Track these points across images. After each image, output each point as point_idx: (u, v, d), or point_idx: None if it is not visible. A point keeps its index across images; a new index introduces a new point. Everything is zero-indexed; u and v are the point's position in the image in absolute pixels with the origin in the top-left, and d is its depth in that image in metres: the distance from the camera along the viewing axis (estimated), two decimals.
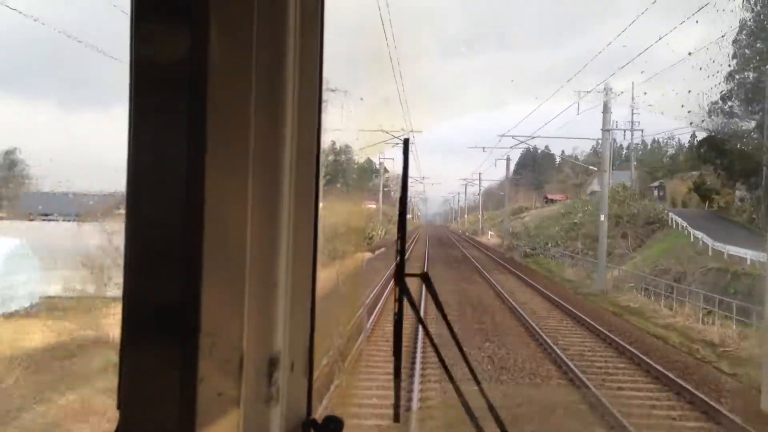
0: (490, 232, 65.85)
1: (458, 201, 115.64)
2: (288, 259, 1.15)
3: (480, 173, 77.74)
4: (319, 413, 1.24)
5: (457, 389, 1.31)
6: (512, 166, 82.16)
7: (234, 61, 1.05)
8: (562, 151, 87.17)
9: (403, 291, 1.23)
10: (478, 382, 1.37)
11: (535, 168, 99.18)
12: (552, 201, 68.35)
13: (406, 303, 1.26)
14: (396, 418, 1.34)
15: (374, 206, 55.06)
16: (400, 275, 1.21)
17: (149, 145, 1.01)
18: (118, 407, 1.01)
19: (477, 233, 76.00)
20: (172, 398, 1.00)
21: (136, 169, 1.02)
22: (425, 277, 1.30)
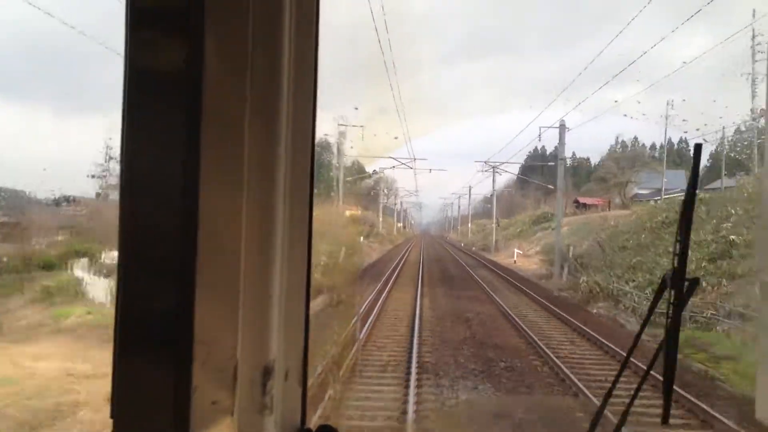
0: (516, 251, 42.98)
1: (458, 207, 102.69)
2: (282, 267, 1.15)
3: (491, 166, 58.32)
4: (313, 422, 1.23)
5: None
6: (517, 169, 75.34)
7: (229, 68, 1.05)
8: (573, 153, 78.61)
9: (681, 294, 1.20)
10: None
11: (543, 171, 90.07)
12: (584, 206, 55.81)
13: None
14: None
15: (354, 212, 45.39)
16: (677, 279, 1.19)
17: (143, 153, 1.01)
18: (112, 416, 1.00)
19: (489, 249, 55.32)
20: (166, 407, 1.00)
21: (130, 177, 1.02)
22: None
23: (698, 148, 1.30)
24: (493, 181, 58.50)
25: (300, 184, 1.20)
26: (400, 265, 34.67)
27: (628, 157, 58.55)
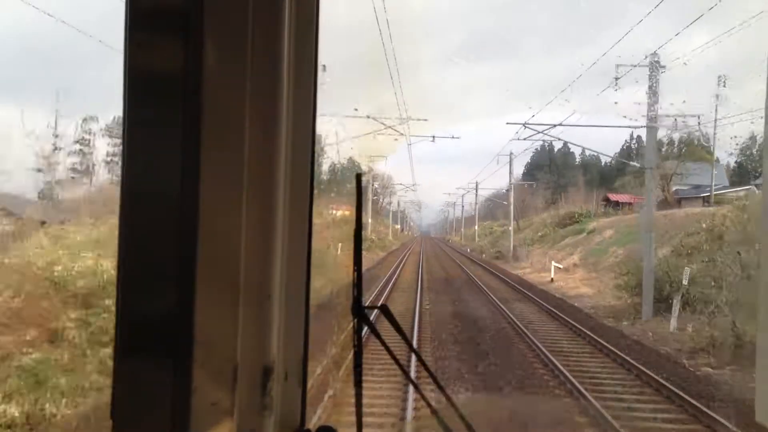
0: (555, 264, 29.58)
1: (462, 207, 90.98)
2: (282, 269, 1.15)
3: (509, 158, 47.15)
4: (313, 423, 1.24)
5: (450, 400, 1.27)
6: (518, 167, 69.37)
7: (229, 70, 1.05)
8: (582, 150, 73.48)
9: (362, 322, 1.21)
10: (447, 397, 1.33)
11: (551, 168, 79.38)
12: (617, 205, 46.49)
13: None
14: None
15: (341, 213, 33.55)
16: (358, 307, 1.21)
17: (143, 155, 1.01)
18: (112, 417, 1.00)
19: (506, 258, 42.92)
20: (166, 408, 1.00)
21: (130, 179, 1.02)
22: (384, 309, 1.29)
23: (358, 177, 1.38)
24: (510, 170, 48.01)
25: (300, 185, 1.20)
26: (387, 290, 21.88)
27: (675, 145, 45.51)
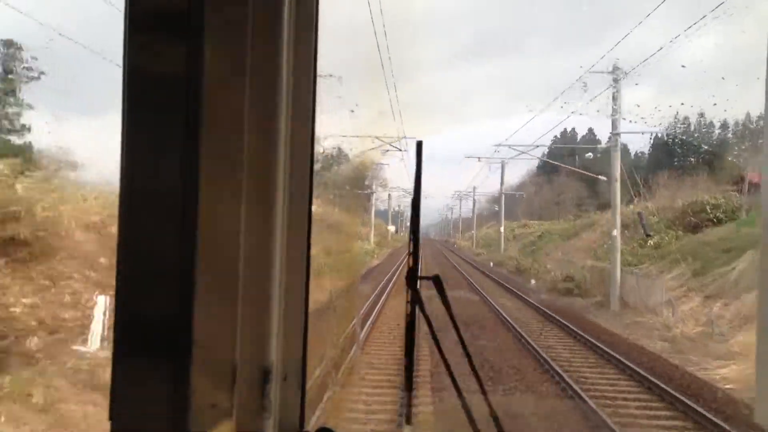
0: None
1: (474, 202, 68.40)
2: (281, 270, 1.15)
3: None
4: (312, 424, 1.23)
5: (464, 402, 1.28)
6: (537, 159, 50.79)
7: (228, 72, 1.06)
8: (609, 137, 57.73)
9: (416, 296, 1.22)
10: (484, 393, 1.34)
11: (573, 159, 56.92)
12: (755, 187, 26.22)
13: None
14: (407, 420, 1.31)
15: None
16: (413, 279, 1.21)
17: (143, 157, 1.02)
18: (110, 418, 1.00)
19: (605, 304, 20.46)
20: (165, 410, 1.00)
21: (130, 181, 1.02)
22: (437, 280, 1.29)
23: (419, 145, 1.33)
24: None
25: (299, 187, 1.20)
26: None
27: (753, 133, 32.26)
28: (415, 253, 1.22)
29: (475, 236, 64.06)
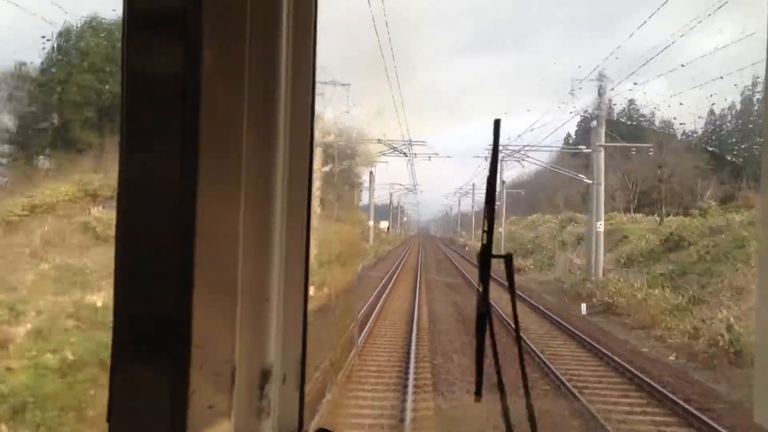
0: None
1: (503, 184, 41.33)
2: (280, 271, 1.15)
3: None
4: (311, 426, 1.23)
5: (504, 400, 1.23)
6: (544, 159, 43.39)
7: (227, 72, 1.05)
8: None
9: (487, 271, 1.22)
10: (528, 395, 1.32)
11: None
12: None
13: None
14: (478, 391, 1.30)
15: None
16: (486, 256, 1.22)
17: (141, 157, 1.01)
18: (108, 419, 1.00)
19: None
20: (163, 410, 1.00)
21: (128, 181, 1.02)
22: (508, 259, 1.29)
23: (497, 123, 1.29)
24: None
25: (298, 187, 1.20)
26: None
27: None
28: (489, 232, 1.23)
29: (502, 237, 41.04)
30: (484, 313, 1.25)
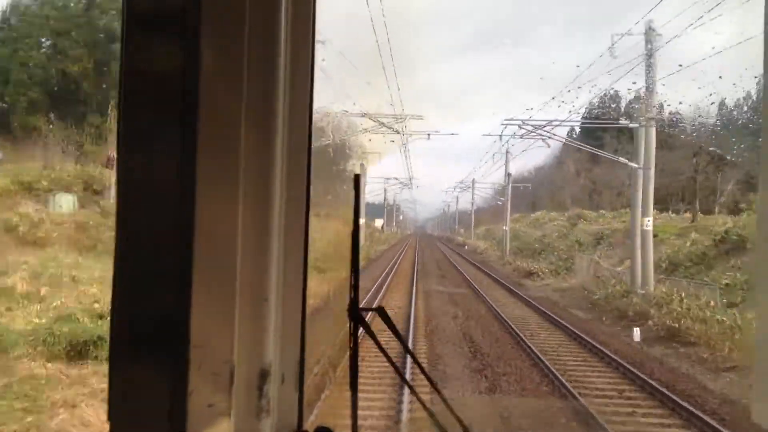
0: None
1: (509, 176, 40.11)
2: (278, 271, 1.15)
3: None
4: (310, 424, 1.24)
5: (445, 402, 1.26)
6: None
7: (225, 71, 1.05)
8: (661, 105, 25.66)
9: (358, 325, 1.19)
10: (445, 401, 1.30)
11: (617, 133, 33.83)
12: None
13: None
14: None
15: None
16: (354, 309, 1.20)
17: (140, 157, 1.01)
18: (108, 419, 1.00)
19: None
20: (163, 410, 1.00)
21: (127, 181, 1.02)
22: (381, 312, 1.28)
23: (357, 178, 1.32)
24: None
25: (296, 187, 1.20)
26: None
27: None
28: (356, 286, 1.21)
29: (507, 240, 37.19)
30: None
